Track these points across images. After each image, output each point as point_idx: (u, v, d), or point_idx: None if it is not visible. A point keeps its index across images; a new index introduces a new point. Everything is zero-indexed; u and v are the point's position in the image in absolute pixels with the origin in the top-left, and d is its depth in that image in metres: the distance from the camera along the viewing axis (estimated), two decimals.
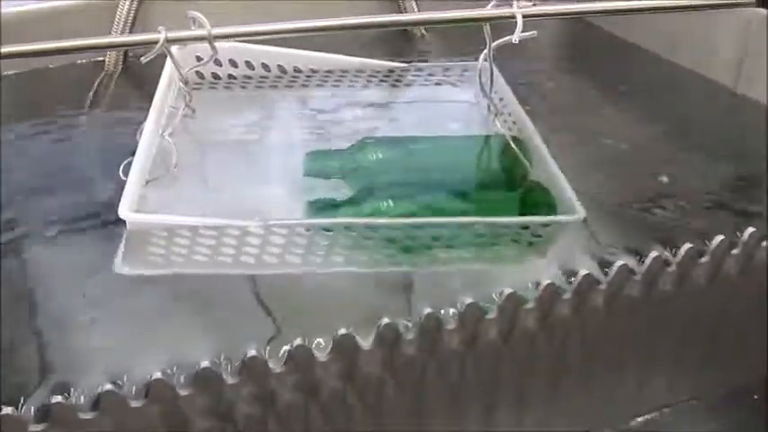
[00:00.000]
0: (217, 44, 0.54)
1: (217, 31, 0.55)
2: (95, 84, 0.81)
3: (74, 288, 0.55)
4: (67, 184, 0.67)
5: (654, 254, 0.47)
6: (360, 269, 0.52)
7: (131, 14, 0.80)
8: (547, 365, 0.47)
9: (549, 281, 0.45)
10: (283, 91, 0.71)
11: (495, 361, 0.46)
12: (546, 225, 0.52)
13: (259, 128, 0.66)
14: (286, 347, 0.41)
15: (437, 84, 0.73)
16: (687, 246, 0.48)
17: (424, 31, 0.86)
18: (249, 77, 0.70)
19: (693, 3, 0.57)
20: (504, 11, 0.55)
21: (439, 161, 0.60)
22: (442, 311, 0.43)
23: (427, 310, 0.43)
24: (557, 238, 0.53)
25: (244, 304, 0.52)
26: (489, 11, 0.55)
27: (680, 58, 0.84)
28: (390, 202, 0.54)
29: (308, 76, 0.71)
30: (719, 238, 0.50)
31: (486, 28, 0.56)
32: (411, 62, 0.73)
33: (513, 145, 0.58)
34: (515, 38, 0.53)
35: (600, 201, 0.62)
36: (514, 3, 0.54)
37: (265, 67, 0.70)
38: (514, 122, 0.64)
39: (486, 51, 0.57)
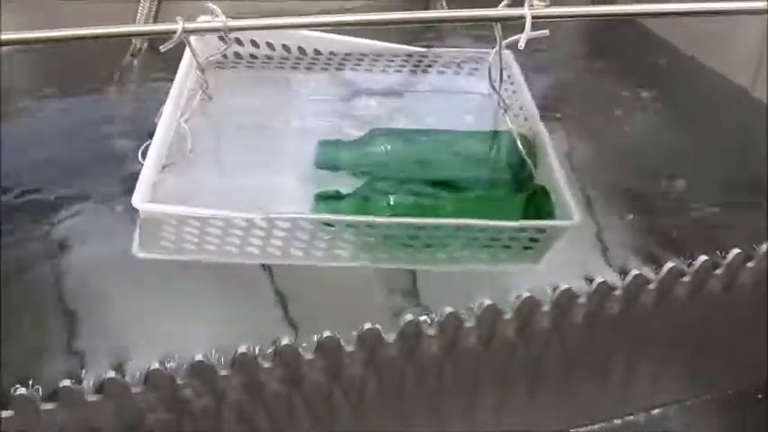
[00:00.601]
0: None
1: (232, 23, 0.57)
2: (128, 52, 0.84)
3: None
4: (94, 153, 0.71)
5: (635, 272, 0.49)
6: (359, 264, 0.55)
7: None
8: (523, 373, 0.50)
9: (528, 294, 0.48)
10: (303, 73, 0.72)
11: (474, 366, 0.49)
12: (542, 230, 0.54)
13: (276, 112, 0.68)
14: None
15: (455, 72, 0.74)
16: (669, 265, 0.50)
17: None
18: (270, 57, 0.72)
19: (704, 8, 0.56)
20: (515, 11, 0.55)
21: (445, 157, 0.61)
22: (423, 318, 0.46)
23: (409, 317, 0.46)
24: (553, 243, 0.55)
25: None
26: (500, 11, 0.56)
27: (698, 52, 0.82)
28: (392, 198, 0.56)
29: (329, 59, 0.72)
30: (703, 258, 0.51)
31: (497, 27, 0.57)
32: (430, 47, 0.74)
33: (519, 145, 0.59)
34: (523, 41, 0.54)
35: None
36: (525, 3, 0.55)
37: (286, 48, 0.72)
38: (526, 119, 0.64)
39: (496, 48, 0.58)
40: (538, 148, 0.60)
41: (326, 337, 0.44)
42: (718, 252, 0.51)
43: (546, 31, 0.59)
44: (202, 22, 0.56)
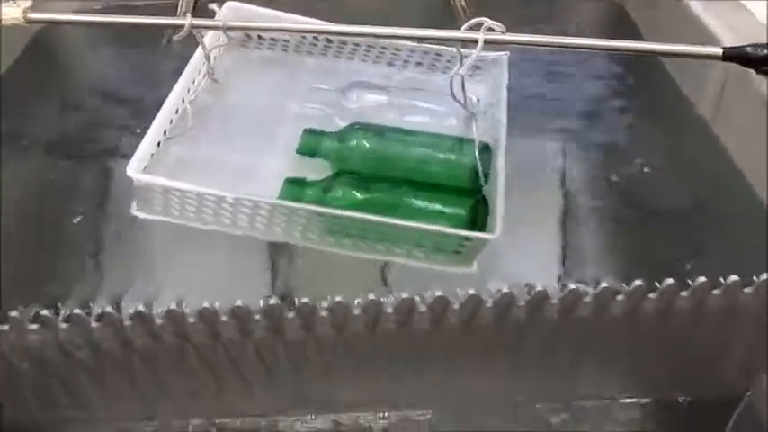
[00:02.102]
0: (260, 9, 0.71)
1: (231, 23, 0.66)
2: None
3: None
4: None
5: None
6: (311, 246, 0.63)
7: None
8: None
9: (440, 293, 0.54)
10: (316, 58, 0.80)
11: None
12: (467, 238, 0.59)
13: (277, 97, 0.76)
14: None
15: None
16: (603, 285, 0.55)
17: (464, 5, 0.88)
18: (287, 41, 0.80)
19: (663, 49, 0.58)
20: (471, 34, 0.61)
21: (411, 158, 0.67)
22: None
23: (338, 298, 0.55)
24: (479, 250, 0.60)
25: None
26: (459, 33, 0.61)
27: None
28: (348, 192, 0.64)
29: (340, 47, 0.79)
30: (638, 282, 0.55)
31: (458, 47, 0.62)
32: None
33: (476, 154, 0.65)
34: (471, 60, 0.60)
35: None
36: (482, 28, 0.60)
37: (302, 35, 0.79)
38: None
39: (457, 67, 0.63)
40: (494, 159, 0.65)
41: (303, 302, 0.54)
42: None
43: (505, 53, 0.63)
44: (208, 19, 0.65)
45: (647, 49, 0.58)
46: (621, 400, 0.63)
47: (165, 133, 0.67)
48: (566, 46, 0.59)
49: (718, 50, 0.57)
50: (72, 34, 0.93)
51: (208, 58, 0.69)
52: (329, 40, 0.79)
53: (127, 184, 0.62)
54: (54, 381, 0.59)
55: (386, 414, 0.63)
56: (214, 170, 0.69)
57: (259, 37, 0.80)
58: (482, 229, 0.61)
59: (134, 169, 0.62)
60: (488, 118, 0.71)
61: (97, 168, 0.79)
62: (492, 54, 0.76)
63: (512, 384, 0.61)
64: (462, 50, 0.64)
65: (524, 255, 0.67)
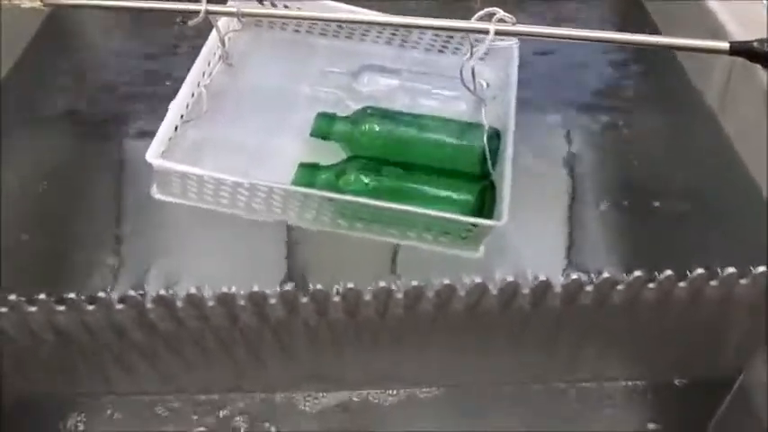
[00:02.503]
0: None
1: (245, 9, 0.67)
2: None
3: None
4: None
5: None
6: (323, 228, 0.66)
7: None
8: None
9: (447, 281, 0.57)
10: (329, 40, 0.81)
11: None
12: (473, 224, 0.62)
13: (291, 80, 0.77)
14: None
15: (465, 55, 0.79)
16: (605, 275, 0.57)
17: None
18: (300, 23, 0.80)
19: (664, 42, 0.59)
20: (481, 25, 0.62)
21: (422, 143, 0.69)
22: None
23: (350, 285, 0.57)
24: (485, 236, 0.62)
25: None
26: (470, 23, 0.62)
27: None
28: (361, 177, 0.65)
29: (352, 29, 0.80)
30: (637, 273, 0.58)
31: (469, 37, 0.63)
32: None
33: (485, 140, 0.66)
34: (482, 51, 0.62)
35: None
36: (493, 18, 0.61)
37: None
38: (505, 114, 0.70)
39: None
40: (503, 144, 0.67)
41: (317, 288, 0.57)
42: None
43: (514, 41, 0.64)
44: (223, 6, 0.66)
45: (654, 43, 0.59)
46: (620, 383, 0.66)
47: (181, 117, 0.68)
48: (575, 38, 0.60)
49: (725, 45, 0.58)
50: (86, 15, 0.94)
51: (223, 43, 0.70)
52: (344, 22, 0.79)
53: (146, 165, 0.64)
54: (78, 357, 0.63)
55: (394, 392, 0.66)
56: (229, 152, 0.71)
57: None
58: (489, 214, 0.63)
59: (153, 154, 0.64)
60: (498, 103, 0.72)
61: (116, 148, 0.81)
62: (503, 43, 0.77)
63: (515, 367, 0.64)
64: (474, 37, 0.65)
65: (531, 239, 0.70)
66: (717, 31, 0.71)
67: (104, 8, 0.70)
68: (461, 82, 0.67)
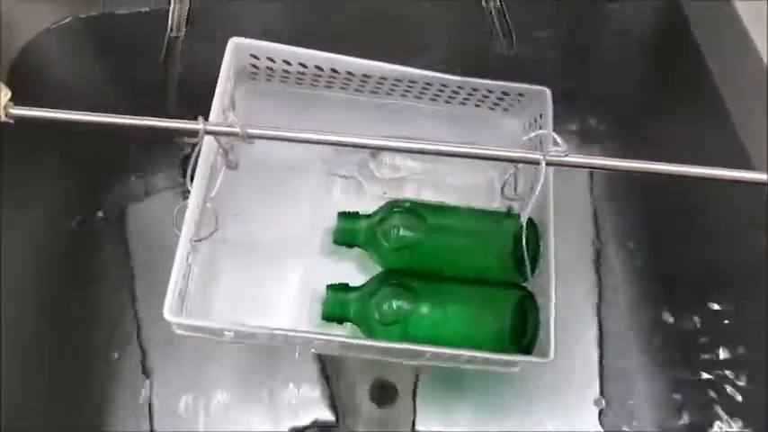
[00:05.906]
0: (270, 45, 0.67)
1: (250, 131, 0.58)
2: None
3: None
4: None
5: None
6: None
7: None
8: None
9: None
10: (336, 92, 0.72)
11: None
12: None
13: (303, 159, 0.70)
14: None
15: (490, 108, 0.71)
16: None
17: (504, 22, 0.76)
18: (303, 74, 0.70)
19: (711, 174, 0.53)
20: (532, 155, 0.54)
21: (453, 249, 0.64)
22: None
23: None
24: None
25: None
26: (518, 153, 0.55)
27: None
28: (386, 305, 0.61)
29: (362, 82, 0.70)
30: None
31: (515, 168, 0.56)
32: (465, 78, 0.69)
33: (524, 241, 0.60)
34: (536, 189, 0.55)
35: None
36: (544, 149, 0.54)
37: (318, 67, 0.70)
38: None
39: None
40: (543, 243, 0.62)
41: None
42: None
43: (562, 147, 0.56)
44: (221, 125, 0.57)
45: (701, 174, 0.53)
46: None
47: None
48: (627, 170, 0.53)
49: (763, 176, 0.52)
50: (61, 47, 0.80)
51: (226, 153, 0.62)
52: (350, 73, 0.70)
53: None
54: None
55: None
56: (247, 257, 0.66)
57: (268, 69, 0.70)
58: (533, 331, 0.60)
59: (169, 312, 0.58)
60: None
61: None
62: (534, 87, 0.69)
63: None
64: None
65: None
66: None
67: (83, 123, 0.60)
68: (501, 194, 0.61)
